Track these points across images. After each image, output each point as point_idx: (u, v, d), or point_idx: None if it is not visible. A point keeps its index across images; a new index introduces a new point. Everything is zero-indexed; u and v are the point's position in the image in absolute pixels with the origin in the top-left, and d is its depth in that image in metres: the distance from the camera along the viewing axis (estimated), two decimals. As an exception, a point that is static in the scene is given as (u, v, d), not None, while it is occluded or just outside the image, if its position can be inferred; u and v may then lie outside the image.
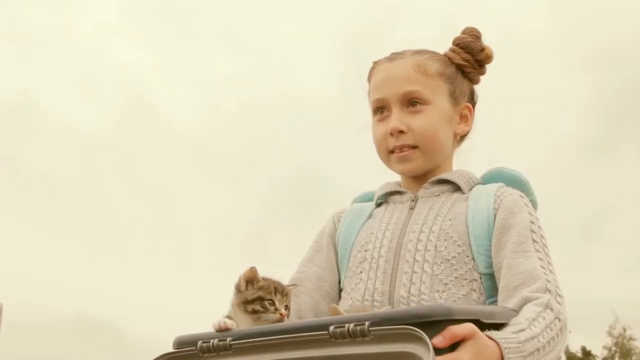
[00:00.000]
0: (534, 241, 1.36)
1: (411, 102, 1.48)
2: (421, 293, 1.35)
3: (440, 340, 1.03)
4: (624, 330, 26.97)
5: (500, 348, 1.11)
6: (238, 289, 1.30)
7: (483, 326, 1.12)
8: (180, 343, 1.19)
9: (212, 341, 1.13)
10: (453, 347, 1.05)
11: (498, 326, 1.16)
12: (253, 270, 1.31)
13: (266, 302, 1.27)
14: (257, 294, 1.28)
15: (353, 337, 1.01)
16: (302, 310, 1.48)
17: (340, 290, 1.51)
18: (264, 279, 1.31)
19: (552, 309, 1.24)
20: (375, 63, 1.55)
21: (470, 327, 1.07)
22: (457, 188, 1.49)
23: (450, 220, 1.42)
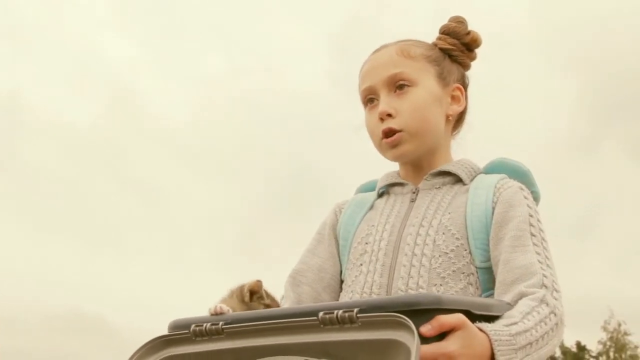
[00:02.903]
0: (532, 235, 1.35)
1: (398, 85, 1.47)
2: (419, 287, 1.35)
3: (428, 328, 1.03)
4: (619, 325, 27.02)
5: (490, 340, 1.11)
6: (240, 298, 1.31)
7: (474, 318, 1.12)
8: (175, 327, 1.20)
9: (205, 325, 1.15)
10: (441, 336, 1.05)
11: (490, 319, 1.16)
12: (259, 283, 1.31)
13: None
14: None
15: (342, 323, 1.02)
16: (303, 301, 1.49)
17: (342, 282, 1.52)
18: (267, 295, 1.32)
19: (547, 304, 1.24)
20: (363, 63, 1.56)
21: (459, 317, 1.07)
22: (458, 179, 1.49)
23: (449, 213, 1.42)
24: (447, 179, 1.49)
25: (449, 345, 1.06)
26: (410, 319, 0.98)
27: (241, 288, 1.32)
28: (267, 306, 1.30)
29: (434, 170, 1.50)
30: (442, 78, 1.51)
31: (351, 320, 1.02)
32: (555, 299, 1.27)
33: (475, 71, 1.60)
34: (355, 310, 1.02)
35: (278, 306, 1.32)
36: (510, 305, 1.23)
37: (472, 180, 1.49)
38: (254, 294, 1.30)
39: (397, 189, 1.54)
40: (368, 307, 1.03)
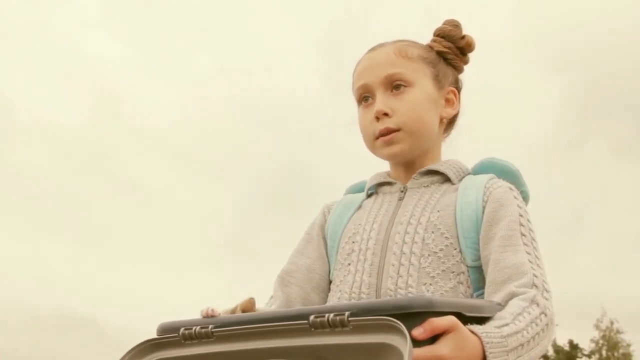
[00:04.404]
0: (522, 235, 1.35)
1: (394, 85, 1.47)
2: (408, 286, 1.35)
3: (420, 332, 1.03)
4: (611, 323, 27.13)
5: (481, 342, 1.10)
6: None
7: (465, 319, 1.11)
8: (164, 330, 1.19)
9: (194, 328, 1.13)
10: (433, 339, 1.05)
11: (482, 321, 1.16)
12: (252, 302, 1.30)
13: None
14: None
15: (333, 327, 1.01)
16: (292, 301, 1.48)
17: (331, 282, 1.51)
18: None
19: (538, 304, 1.24)
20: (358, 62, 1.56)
21: (451, 319, 1.07)
22: (446, 179, 1.48)
23: (438, 212, 1.42)
24: (436, 178, 1.49)
25: (441, 348, 1.05)
26: (402, 322, 0.97)
27: (234, 309, 1.30)
28: None
29: (423, 169, 1.50)
30: (438, 80, 1.51)
31: (342, 324, 1.01)
32: (546, 299, 1.27)
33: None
34: (347, 313, 1.01)
35: None
36: (501, 306, 1.23)
37: (460, 180, 1.48)
38: (244, 312, 1.29)
39: (385, 188, 1.54)
40: (359, 311, 1.02)
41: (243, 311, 1.29)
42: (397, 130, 1.46)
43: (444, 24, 1.57)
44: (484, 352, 1.10)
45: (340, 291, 1.43)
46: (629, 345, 26.90)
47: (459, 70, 1.57)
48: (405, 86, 1.47)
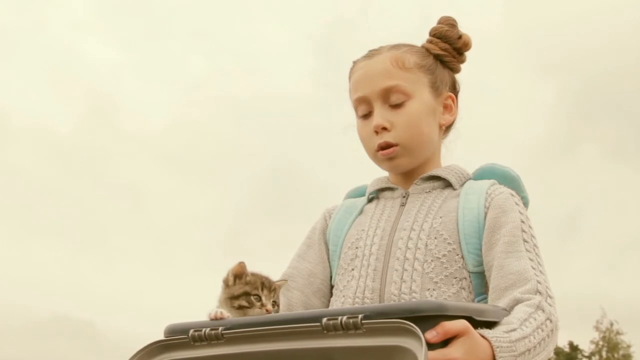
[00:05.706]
0: (525, 241, 1.36)
1: (392, 98, 1.46)
2: (412, 291, 1.35)
3: (433, 335, 1.03)
4: (611, 324, 27.15)
5: (491, 346, 1.11)
6: (226, 283, 1.30)
7: (475, 324, 1.12)
8: (172, 331, 1.19)
9: (204, 330, 1.13)
10: (445, 343, 1.05)
11: (489, 325, 1.17)
12: (242, 265, 1.30)
13: (252, 298, 1.26)
14: (243, 289, 1.28)
15: (346, 329, 1.01)
16: (293, 305, 1.48)
17: (332, 287, 1.51)
18: (252, 274, 1.31)
19: (543, 310, 1.24)
20: (354, 62, 1.54)
21: (463, 323, 1.07)
22: (448, 184, 1.49)
23: (440, 217, 1.42)
24: (437, 183, 1.49)
25: (453, 351, 1.05)
26: (414, 324, 0.97)
27: (226, 278, 1.31)
28: (247, 283, 1.29)
29: (424, 175, 1.50)
30: (435, 88, 1.50)
31: (356, 327, 1.01)
32: (550, 305, 1.28)
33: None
34: (360, 316, 1.01)
35: (260, 280, 1.30)
36: (507, 311, 1.24)
37: (461, 185, 1.49)
38: (237, 277, 1.29)
39: (387, 193, 1.54)
40: (372, 314, 1.03)
41: (235, 275, 1.29)
42: (397, 144, 1.46)
43: (439, 22, 1.55)
44: (493, 356, 1.11)
45: (343, 296, 1.44)
46: (629, 346, 26.96)
47: (456, 71, 1.56)
48: (403, 99, 1.46)
